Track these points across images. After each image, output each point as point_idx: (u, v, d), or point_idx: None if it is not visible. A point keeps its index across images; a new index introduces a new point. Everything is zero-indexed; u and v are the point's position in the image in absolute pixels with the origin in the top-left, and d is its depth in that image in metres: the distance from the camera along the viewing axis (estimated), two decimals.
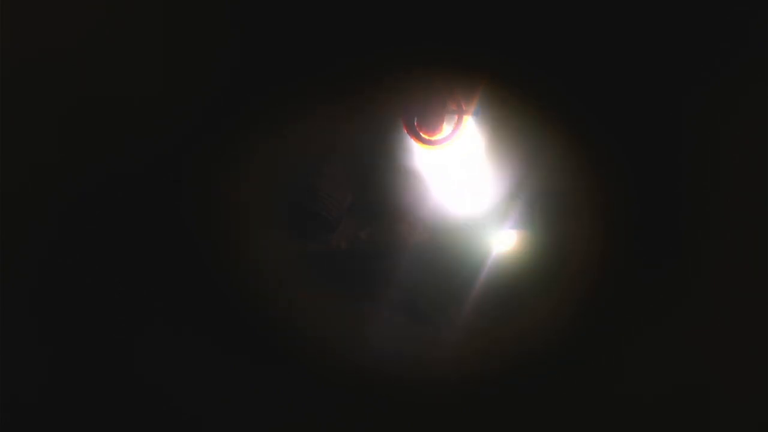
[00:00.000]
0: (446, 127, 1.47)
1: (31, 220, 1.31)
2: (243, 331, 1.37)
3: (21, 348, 1.30)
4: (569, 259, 1.40)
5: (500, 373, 1.35)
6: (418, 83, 1.41)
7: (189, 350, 1.35)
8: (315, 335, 1.38)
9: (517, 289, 1.43)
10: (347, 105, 1.40)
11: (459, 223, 1.48)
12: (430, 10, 1.31)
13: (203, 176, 1.38)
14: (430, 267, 1.46)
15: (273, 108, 1.38)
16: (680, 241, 1.35)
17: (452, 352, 1.39)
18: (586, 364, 1.35)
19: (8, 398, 1.29)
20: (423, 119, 1.45)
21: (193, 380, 1.35)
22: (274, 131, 1.41)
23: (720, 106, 1.32)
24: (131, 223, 1.35)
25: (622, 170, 1.37)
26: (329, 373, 1.36)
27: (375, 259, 1.47)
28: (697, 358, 1.33)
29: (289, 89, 1.37)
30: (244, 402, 1.36)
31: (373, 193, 1.50)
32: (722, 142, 1.33)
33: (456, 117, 1.45)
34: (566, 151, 1.39)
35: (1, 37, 1.23)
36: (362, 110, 1.42)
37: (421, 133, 1.46)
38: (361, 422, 1.36)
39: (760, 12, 1.29)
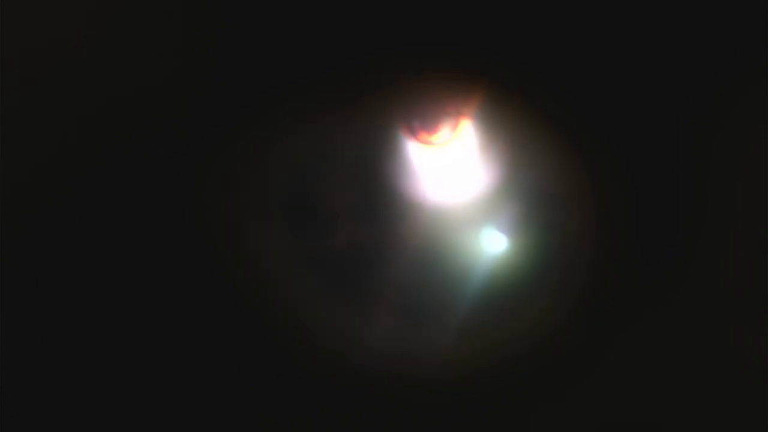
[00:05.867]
0: (445, 129, 1.47)
1: (31, 220, 1.31)
2: (242, 331, 1.38)
3: (19, 347, 1.31)
4: (567, 259, 1.40)
5: (499, 372, 1.36)
6: (417, 85, 1.41)
7: (188, 350, 1.36)
8: (313, 334, 1.38)
9: (515, 289, 1.43)
10: (347, 106, 1.40)
11: (457, 224, 1.48)
12: (429, 12, 1.31)
13: (203, 176, 1.39)
14: (429, 267, 1.46)
15: (273, 109, 1.38)
16: (680, 243, 1.35)
17: (451, 351, 1.40)
18: (584, 364, 1.35)
19: (6, 398, 1.30)
20: (422, 120, 1.45)
21: (191, 379, 1.35)
22: (274, 132, 1.41)
23: (720, 107, 1.31)
24: (131, 222, 1.36)
25: (621, 171, 1.36)
26: (327, 373, 1.36)
27: (375, 260, 1.47)
28: (696, 359, 1.33)
29: (289, 91, 1.37)
30: (242, 401, 1.36)
31: (373, 193, 1.50)
32: (722, 143, 1.32)
33: (455, 118, 1.45)
34: (565, 152, 1.38)
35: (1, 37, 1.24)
36: (362, 112, 1.42)
37: (420, 134, 1.46)
38: (358, 421, 1.36)
39: (761, 12, 1.29)
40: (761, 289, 1.32)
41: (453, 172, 1.50)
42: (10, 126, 1.28)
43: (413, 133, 1.46)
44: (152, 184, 1.36)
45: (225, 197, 1.41)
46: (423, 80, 1.40)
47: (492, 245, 1.47)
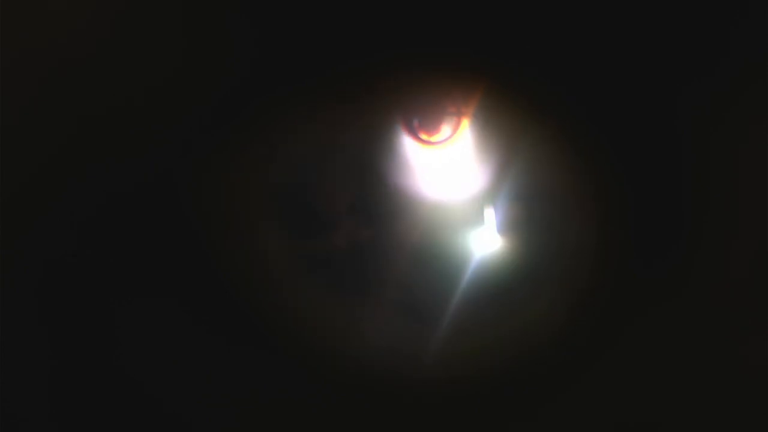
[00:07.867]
0: (445, 129, 1.47)
1: (31, 221, 1.31)
2: (241, 331, 1.38)
3: (19, 348, 1.31)
4: (566, 259, 1.40)
5: (498, 372, 1.36)
6: (417, 84, 1.41)
7: (187, 349, 1.36)
8: (312, 334, 1.38)
9: (514, 288, 1.43)
10: (347, 106, 1.41)
11: (457, 223, 1.48)
12: (429, 12, 1.31)
13: (203, 177, 1.39)
14: (429, 266, 1.46)
15: (273, 109, 1.39)
16: (679, 243, 1.35)
17: (450, 351, 1.40)
18: (583, 364, 1.35)
19: (6, 398, 1.30)
20: (422, 120, 1.46)
21: (192, 379, 1.35)
22: (274, 132, 1.41)
23: (719, 105, 1.32)
24: (131, 223, 1.36)
25: (621, 170, 1.37)
26: (326, 372, 1.36)
27: (374, 258, 1.47)
28: (695, 358, 1.33)
29: (289, 91, 1.37)
30: (243, 400, 1.36)
31: (373, 193, 1.50)
32: (721, 141, 1.33)
33: (455, 118, 1.45)
34: (565, 152, 1.39)
35: (2, 40, 1.24)
36: (362, 111, 1.42)
37: (420, 134, 1.47)
38: (357, 421, 1.36)
39: (761, 12, 1.29)
40: (762, 291, 1.32)
41: (453, 171, 1.50)
42: (10, 126, 1.28)
43: (413, 132, 1.46)
44: (152, 184, 1.36)
45: (225, 197, 1.41)
46: (423, 80, 1.40)
47: (491, 244, 1.47)
